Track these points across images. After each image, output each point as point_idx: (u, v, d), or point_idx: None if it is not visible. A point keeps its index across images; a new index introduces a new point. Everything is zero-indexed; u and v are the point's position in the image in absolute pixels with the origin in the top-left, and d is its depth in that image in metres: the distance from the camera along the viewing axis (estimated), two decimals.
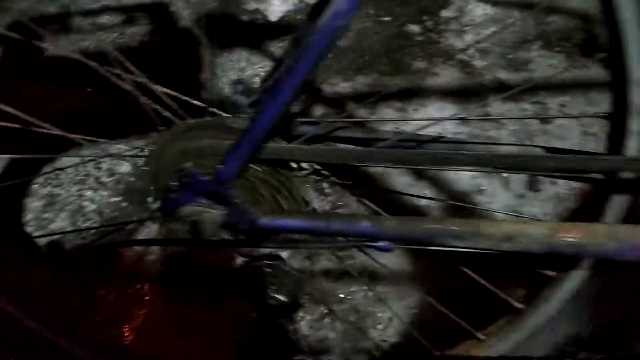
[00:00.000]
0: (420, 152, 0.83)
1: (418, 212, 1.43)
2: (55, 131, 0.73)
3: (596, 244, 0.62)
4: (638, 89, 0.63)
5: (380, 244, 0.66)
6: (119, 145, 1.47)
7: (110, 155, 0.81)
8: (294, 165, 0.82)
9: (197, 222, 0.64)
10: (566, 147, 1.55)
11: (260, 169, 0.70)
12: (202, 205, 0.66)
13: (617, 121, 0.68)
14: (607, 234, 0.62)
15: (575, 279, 0.77)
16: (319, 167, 0.85)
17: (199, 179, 0.63)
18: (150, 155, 0.68)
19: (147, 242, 1.02)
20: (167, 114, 0.71)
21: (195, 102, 0.78)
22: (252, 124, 0.60)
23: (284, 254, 1.27)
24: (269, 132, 0.61)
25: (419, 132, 0.79)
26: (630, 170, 0.63)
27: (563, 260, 0.77)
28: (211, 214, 0.65)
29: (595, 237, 0.62)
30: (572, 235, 0.62)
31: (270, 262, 0.72)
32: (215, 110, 0.75)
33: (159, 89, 0.76)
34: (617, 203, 0.70)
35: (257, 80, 1.90)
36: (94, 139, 0.77)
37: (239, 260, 0.73)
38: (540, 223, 0.64)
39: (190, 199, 0.65)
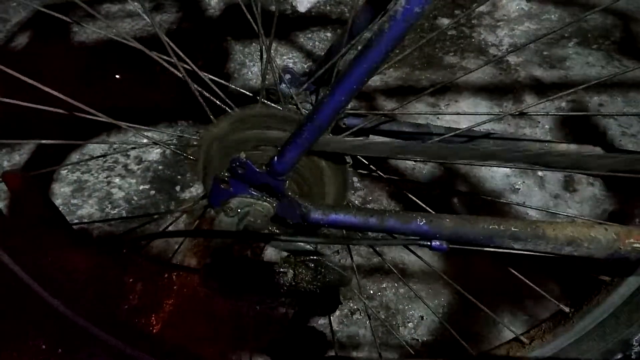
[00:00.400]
0: (469, 147, 0.80)
1: (450, 209, 1.41)
2: (102, 117, 0.71)
3: None
4: None
5: (435, 243, 0.63)
6: (159, 132, 1.46)
7: (157, 143, 0.79)
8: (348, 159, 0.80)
9: (247, 214, 0.63)
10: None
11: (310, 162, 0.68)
12: (253, 197, 0.64)
13: None
14: None
15: (631, 285, 0.74)
16: (364, 161, 0.83)
17: (253, 170, 0.61)
18: (200, 145, 0.67)
19: (188, 234, 1.01)
20: (217, 102, 0.69)
21: (244, 92, 0.76)
22: (314, 113, 0.57)
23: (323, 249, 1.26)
24: (332, 122, 0.59)
25: (471, 128, 0.75)
26: None
27: (617, 265, 0.74)
28: (262, 206, 0.63)
29: None
30: None
31: (314, 258, 0.70)
32: (264, 100, 0.72)
33: (207, 76, 0.74)
34: None
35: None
36: (140, 127, 0.75)
37: (282, 254, 0.71)
38: (606, 228, 0.61)
39: (241, 191, 0.64)
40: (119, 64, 1.84)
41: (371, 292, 1.26)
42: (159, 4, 2.23)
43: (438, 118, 1.63)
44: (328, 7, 2.23)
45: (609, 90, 1.68)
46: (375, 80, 1.85)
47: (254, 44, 2.03)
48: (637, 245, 0.60)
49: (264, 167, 0.62)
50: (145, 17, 2.08)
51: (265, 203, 0.64)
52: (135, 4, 2.17)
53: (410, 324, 1.20)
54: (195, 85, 0.68)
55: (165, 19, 2.15)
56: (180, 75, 0.68)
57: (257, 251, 1.02)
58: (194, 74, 0.72)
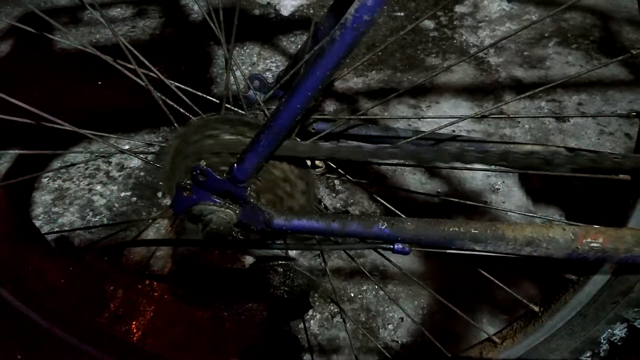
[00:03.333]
0: (437, 150, 0.81)
1: (431, 212, 1.42)
2: (66, 126, 0.71)
3: (623, 250, 0.60)
4: None
5: (398, 246, 0.64)
6: (130, 141, 1.47)
7: (123, 152, 0.80)
8: (308, 163, 0.81)
9: (210, 221, 0.63)
10: (583, 147, 1.53)
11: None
12: (215, 204, 0.64)
13: None
14: (635, 240, 0.60)
15: (596, 283, 0.75)
16: (333, 166, 0.84)
17: (214, 177, 0.61)
18: (164, 152, 0.67)
19: (158, 243, 1.01)
20: (180, 109, 0.70)
21: (209, 97, 0.77)
22: (271, 119, 0.58)
23: (295, 253, 1.27)
24: (289, 129, 0.60)
25: (436, 130, 0.76)
26: None
27: (582, 264, 0.75)
28: (224, 213, 0.64)
29: (622, 243, 0.60)
30: (598, 241, 0.60)
31: (282, 262, 0.71)
32: (229, 106, 0.73)
33: (172, 84, 0.74)
34: None
35: (269, 75, 1.89)
36: (104, 134, 0.75)
37: (250, 259, 0.71)
38: (564, 227, 0.62)
39: (203, 198, 0.64)
40: (101, 70, 1.84)
41: (352, 294, 1.27)
42: (142, 10, 2.23)
43: (419, 120, 1.64)
44: (312, 11, 2.24)
45: (589, 89, 1.70)
46: (358, 83, 1.86)
47: (236, 48, 2.03)
48: (594, 244, 0.60)
49: (225, 175, 0.62)
50: (108, 29, 2.08)
51: (228, 210, 0.65)
52: (99, 12, 2.17)
53: (390, 326, 1.21)
54: (158, 93, 0.68)
55: (148, 24, 2.15)
56: (143, 84, 0.68)
57: (239, 257, 1.02)
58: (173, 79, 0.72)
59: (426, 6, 2.18)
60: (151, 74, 0.74)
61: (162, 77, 0.74)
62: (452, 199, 0.80)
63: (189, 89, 0.76)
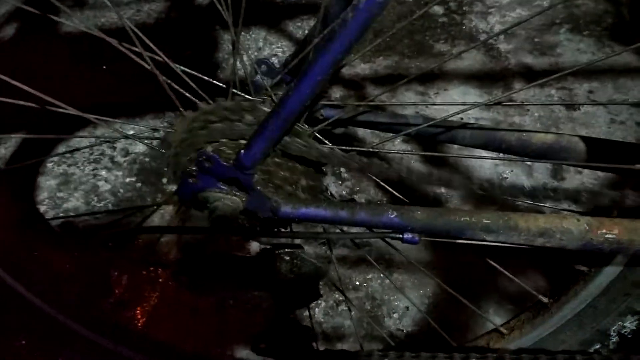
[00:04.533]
0: (447, 138, 0.80)
1: (437, 200, 1.40)
2: (70, 110, 0.70)
3: (638, 242, 0.59)
4: None
5: (407, 235, 0.63)
6: (135, 126, 1.45)
7: (127, 137, 0.79)
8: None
9: (216, 208, 0.62)
10: (593, 136, 1.51)
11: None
12: (222, 191, 0.63)
13: None
14: None
15: (608, 275, 0.73)
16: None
17: (220, 164, 0.60)
18: (169, 138, 0.66)
19: (163, 230, 1.00)
20: (186, 94, 0.68)
21: (216, 82, 0.75)
22: (279, 105, 0.56)
23: (302, 241, 1.26)
24: (298, 114, 0.58)
25: (446, 118, 0.75)
26: None
27: (594, 255, 0.74)
28: (231, 200, 0.63)
29: (638, 235, 0.59)
30: (613, 232, 0.59)
31: (290, 250, 0.70)
32: (237, 91, 0.71)
33: (178, 67, 0.73)
34: None
35: (275, 60, 1.86)
36: (109, 119, 0.74)
37: (258, 247, 0.70)
38: (578, 218, 0.60)
39: (209, 185, 0.63)
40: (106, 54, 1.82)
41: (357, 283, 1.26)
42: None
43: (427, 107, 1.62)
44: None
45: (600, 76, 1.67)
46: (365, 69, 1.83)
47: (242, 33, 2.00)
48: (609, 235, 0.59)
49: (231, 161, 0.61)
50: (113, 12, 2.05)
51: (234, 197, 0.63)
52: None
53: (395, 315, 1.20)
54: (164, 77, 0.67)
55: (153, 8, 2.12)
56: (148, 67, 0.66)
57: (245, 245, 1.01)
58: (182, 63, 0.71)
59: None
60: (157, 57, 0.73)
61: (168, 60, 0.72)
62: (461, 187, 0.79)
63: (196, 74, 0.75)
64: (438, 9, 2.05)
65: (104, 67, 1.80)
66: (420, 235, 0.64)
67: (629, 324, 0.75)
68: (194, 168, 0.62)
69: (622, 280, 0.72)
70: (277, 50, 1.95)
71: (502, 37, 1.87)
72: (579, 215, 0.61)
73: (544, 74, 1.71)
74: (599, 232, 0.59)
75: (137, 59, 0.68)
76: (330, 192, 0.89)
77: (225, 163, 0.60)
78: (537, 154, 0.75)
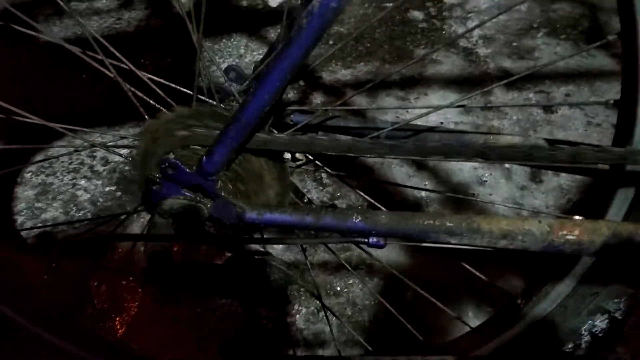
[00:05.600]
0: (415, 143, 0.80)
1: (417, 204, 1.41)
2: (35, 120, 0.70)
3: (599, 243, 0.59)
4: None
5: (373, 239, 0.63)
6: (105, 135, 1.45)
7: (94, 145, 0.78)
8: (288, 155, 0.80)
9: (181, 215, 0.62)
10: (570, 138, 1.53)
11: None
12: (185, 197, 0.63)
13: (626, 109, 0.64)
14: (610, 232, 0.59)
15: (576, 276, 0.74)
16: (312, 158, 0.82)
17: (183, 171, 0.60)
18: (137, 146, 0.65)
19: (131, 238, 1.00)
20: (151, 101, 0.68)
21: (183, 89, 0.75)
22: (239, 112, 0.57)
23: (279, 247, 1.26)
24: (258, 122, 0.58)
25: (414, 122, 0.75)
26: (636, 163, 0.60)
27: (563, 256, 0.74)
28: (195, 207, 0.62)
29: (598, 235, 0.59)
30: (574, 233, 0.59)
31: (258, 257, 0.70)
32: (204, 98, 0.71)
33: (145, 75, 0.72)
34: (623, 197, 0.67)
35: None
36: (75, 127, 0.74)
37: (226, 254, 0.70)
38: (540, 220, 0.61)
39: (174, 192, 0.63)
40: (83, 63, 1.82)
41: (338, 288, 1.26)
42: (128, 1, 2.20)
43: (407, 112, 1.63)
44: (299, 1, 2.21)
45: (577, 80, 1.69)
46: (346, 75, 1.84)
47: (223, 40, 2.01)
48: (570, 237, 0.59)
49: (194, 168, 0.61)
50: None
51: (199, 204, 0.63)
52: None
53: (375, 319, 1.20)
54: (128, 85, 0.67)
55: (134, 16, 2.13)
56: (112, 75, 0.66)
57: (214, 252, 1.01)
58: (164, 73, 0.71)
59: None
60: (123, 65, 0.73)
61: (134, 68, 0.72)
62: (435, 191, 0.79)
63: (162, 81, 0.75)
64: (418, 15, 2.07)
65: (84, 75, 1.79)
66: (386, 239, 0.64)
67: (599, 322, 0.75)
68: (157, 175, 0.62)
69: (590, 281, 0.73)
70: (259, 56, 1.95)
71: (481, 41, 1.89)
72: (541, 217, 0.62)
73: (522, 78, 1.72)
74: (560, 233, 0.60)
75: (101, 68, 0.68)
76: (308, 198, 0.89)
77: (188, 170, 0.60)
78: (504, 157, 0.75)
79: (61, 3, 0.71)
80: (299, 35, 0.51)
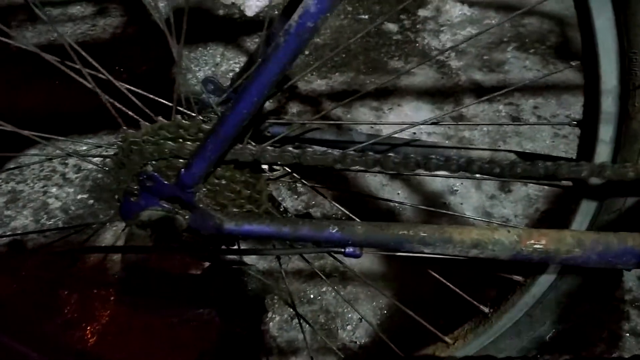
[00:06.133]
0: (390, 157, 0.82)
1: (391, 211, 1.43)
2: (7, 127, 0.69)
3: (564, 251, 0.62)
4: (608, 98, 0.63)
5: (349, 249, 0.64)
6: (79, 143, 1.44)
7: (69, 155, 0.78)
8: (265, 167, 0.81)
9: (159, 227, 0.62)
10: (537, 149, 1.57)
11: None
12: (164, 209, 0.63)
13: (587, 128, 0.67)
14: (575, 241, 0.62)
15: (541, 285, 0.77)
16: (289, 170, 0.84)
17: (161, 182, 0.60)
18: (113, 156, 0.66)
19: (106, 250, 0.99)
20: (129, 112, 0.68)
21: (162, 100, 0.75)
22: (218, 125, 0.58)
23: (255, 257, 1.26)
24: (236, 134, 0.59)
25: (391, 135, 0.77)
26: (598, 177, 0.63)
27: (531, 265, 0.77)
28: (174, 218, 0.63)
29: (563, 245, 0.62)
30: (540, 243, 0.62)
31: (235, 267, 0.71)
32: (183, 109, 0.72)
33: (123, 86, 0.73)
34: (586, 209, 0.71)
35: (230, 76, 1.87)
36: (48, 135, 0.73)
37: (204, 264, 0.71)
38: (509, 230, 0.63)
39: (152, 203, 0.63)
40: (60, 70, 1.79)
41: (311, 296, 1.27)
42: (103, 8, 2.18)
43: (377, 124, 1.66)
44: (276, 12, 2.23)
45: (545, 93, 1.75)
46: (321, 85, 1.87)
47: (200, 49, 2.01)
48: (537, 246, 0.62)
49: (172, 180, 0.61)
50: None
51: (177, 216, 0.64)
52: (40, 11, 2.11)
53: (349, 327, 1.22)
54: (107, 96, 0.67)
55: (109, 23, 2.11)
56: (90, 86, 0.66)
57: (191, 263, 1.01)
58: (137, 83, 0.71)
59: (390, 9, 2.21)
60: (100, 75, 0.73)
61: (111, 78, 0.72)
62: (406, 204, 0.82)
63: (140, 91, 0.75)
64: (393, 27, 2.11)
65: (57, 82, 1.77)
66: (362, 249, 0.65)
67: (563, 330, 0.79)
68: (135, 186, 0.62)
69: (555, 290, 0.76)
70: (235, 66, 1.96)
71: (453, 54, 1.94)
72: (511, 227, 0.64)
73: (492, 90, 1.78)
74: (528, 242, 0.62)
75: (78, 78, 0.68)
76: (284, 208, 0.90)
77: (166, 182, 0.61)
78: (478, 171, 0.78)
79: (36, 10, 0.71)
80: (276, 52, 0.52)
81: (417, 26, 2.11)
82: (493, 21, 2.07)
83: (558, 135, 1.59)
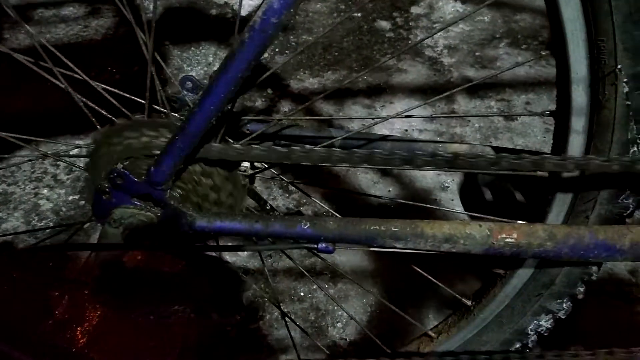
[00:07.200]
0: (369, 153, 0.82)
1: (382, 208, 1.43)
2: None
3: (535, 245, 0.62)
4: (578, 87, 0.62)
5: (322, 245, 0.64)
6: (59, 144, 1.45)
7: (47, 156, 0.78)
8: (245, 164, 0.81)
9: (131, 224, 0.62)
10: (529, 145, 1.57)
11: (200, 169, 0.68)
12: (135, 207, 0.64)
13: (560, 119, 0.67)
14: (547, 235, 0.62)
15: (521, 277, 0.77)
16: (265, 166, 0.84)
17: (131, 180, 0.61)
18: (89, 156, 0.66)
19: (77, 247, 0.99)
20: (103, 112, 0.69)
21: (137, 99, 0.76)
22: (186, 123, 0.58)
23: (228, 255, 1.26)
24: (206, 131, 0.59)
25: (365, 130, 0.77)
26: (571, 170, 0.63)
27: (508, 258, 0.77)
28: (145, 216, 0.63)
29: (535, 238, 0.62)
30: (512, 236, 0.62)
31: (212, 263, 0.71)
32: (158, 107, 0.73)
33: (98, 85, 0.73)
34: (561, 201, 0.71)
35: None
36: (30, 137, 0.74)
37: (179, 261, 0.71)
38: (481, 224, 0.63)
39: (124, 201, 0.63)
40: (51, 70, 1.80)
41: (302, 294, 1.27)
42: (95, 9, 2.19)
43: (370, 119, 1.65)
44: None
45: (536, 88, 1.74)
46: (314, 83, 1.87)
47: (192, 48, 2.01)
48: (509, 239, 0.62)
49: (143, 177, 0.62)
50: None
51: (148, 213, 0.64)
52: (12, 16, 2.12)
53: (339, 324, 1.22)
54: (79, 96, 0.67)
55: (101, 24, 2.12)
56: (62, 86, 0.67)
57: (166, 260, 1.01)
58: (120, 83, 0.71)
59: (383, 7, 2.20)
60: (76, 75, 0.73)
61: (87, 78, 0.73)
62: (398, 200, 0.82)
63: (117, 91, 0.75)
64: (385, 25, 2.11)
65: (49, 84, 1.77)
66: (334, 244, 0.65)
67: (544, 322, 0.78)
68: (106, 184, 0.62)
69: (534, 282, 0.76)
70: None
71: (445, 51, 1.94)
72: (482, 221, 0.64)
73: (484, 87, 1.77)
74: (499, 236, 0.62)
75: (51, 78, 0.68)
76: (270, 205, 0.90)
77: (136, 179, 0.61)
78: (453, 164, 0.78)
79: (8, 10, 0.71)
80: (241, 49, 0.52)
81: (410, 23, 2.11)
82: (485, 17, 2.07)
83: (549, 130, 1.58)
